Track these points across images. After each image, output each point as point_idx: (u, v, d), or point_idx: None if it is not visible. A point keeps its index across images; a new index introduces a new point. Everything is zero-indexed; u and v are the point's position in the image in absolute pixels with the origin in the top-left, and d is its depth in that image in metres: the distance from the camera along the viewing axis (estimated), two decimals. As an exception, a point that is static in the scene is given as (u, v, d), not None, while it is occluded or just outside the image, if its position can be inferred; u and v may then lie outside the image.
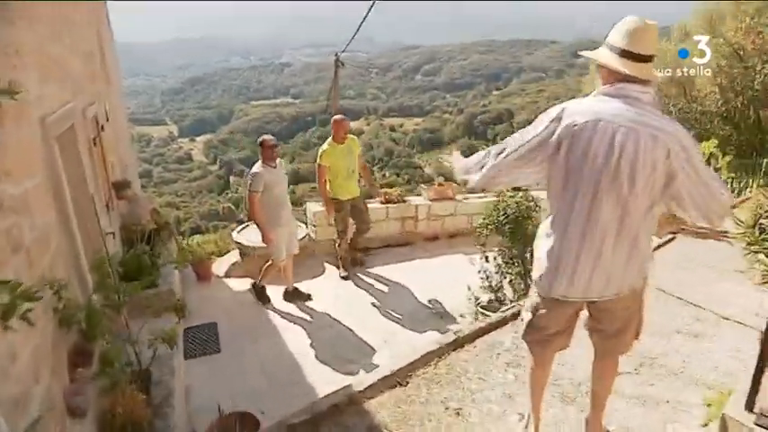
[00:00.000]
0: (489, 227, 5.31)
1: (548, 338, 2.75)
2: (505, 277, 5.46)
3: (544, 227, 2.54)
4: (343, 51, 15.06)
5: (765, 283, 4.95)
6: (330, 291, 6.94)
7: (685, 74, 19.65)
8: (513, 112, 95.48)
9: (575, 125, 2.27)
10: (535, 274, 2.59)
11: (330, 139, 6.85)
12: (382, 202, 8.29)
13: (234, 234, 7.88)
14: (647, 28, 2.27)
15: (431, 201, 8.61)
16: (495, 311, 4.92)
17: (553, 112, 2.37)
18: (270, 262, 6.36)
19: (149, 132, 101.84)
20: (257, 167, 5.93)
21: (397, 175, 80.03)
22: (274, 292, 6.63)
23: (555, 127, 2.33)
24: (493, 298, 5.49)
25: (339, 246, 7.24)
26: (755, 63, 20.26)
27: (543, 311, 2.64)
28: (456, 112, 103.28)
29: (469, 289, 5.65)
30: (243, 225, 8.18)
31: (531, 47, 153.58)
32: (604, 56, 2.35)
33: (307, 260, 7.68)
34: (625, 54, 2.28)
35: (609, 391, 2.92)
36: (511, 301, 5.20)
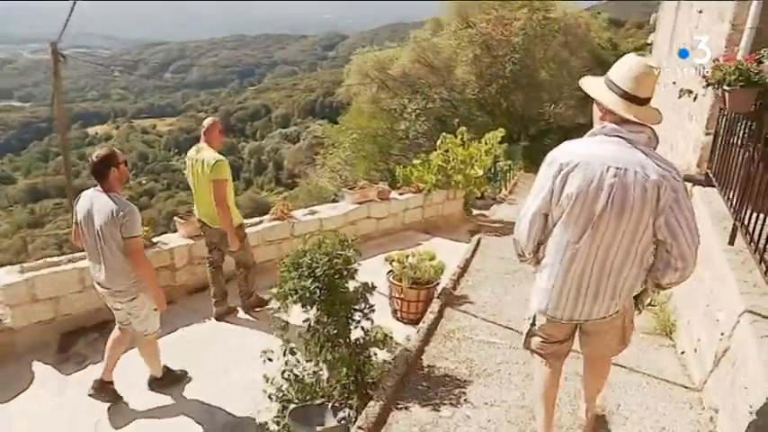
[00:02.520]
0: (291, 294, 3.47)
1: (549, 346, 2.90)
2: (320, 367, 3.71)
3: (543, 254, 2.67)
4: (60, 42, 12.62)
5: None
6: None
7: (442, 62, 21.73)
8: (270, 108, 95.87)
9: (568, 164, 2.44)
10: (534, 294, 2.79)
11: (205, 145, 5.31)
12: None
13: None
14: (651, 72, 2.39)
15: (355, 204, 8.02)
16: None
17: (548, 159, 2.56)
18: None
19: None
20: None
21: (155, 180, 75.66)
22: None
23: (551, 172, 2.50)
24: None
25: (247, 279, 5.66)
26: (505, 53, 22.85)
27: (541, 324, 2.83)
28: (211, 111, 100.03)
29: (268, 381, 3.70)
30: None
31: (283, 41, 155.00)
32: (607, 99, 2.46)
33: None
34: (628, 97, 2.41)
35: (601, 390, 3.23)
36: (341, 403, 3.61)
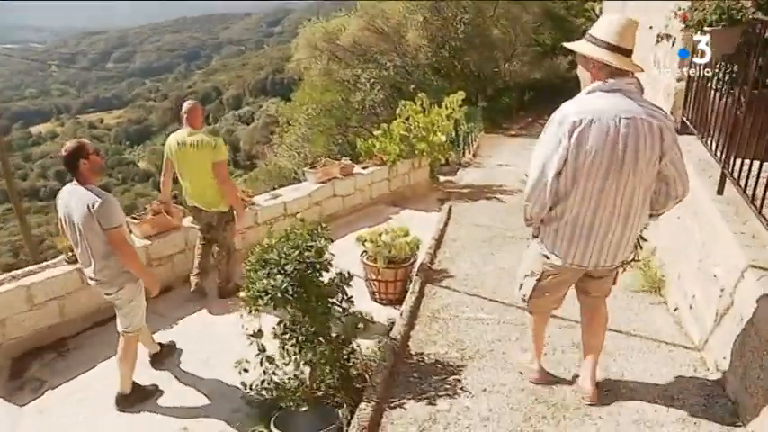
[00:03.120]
0: (261, 297, 3.13)
1: (549, 300, 3.09)
2: (301, 370, 3.38)
3: (558, 209, 2.73)
4: None
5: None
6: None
7: (392, 28, 21.16)
8: (221, 90, 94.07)
9: (581, 122, 2.53)
10: (549, 246, 2.85)
11: (192, 129, 5.13)
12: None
13: None
14: (631, 24, 2.57)
15: (319, 183, 7.63)
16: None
17: (556, 118, 2.63)
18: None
19: None
20: None
21: (110, 176, 73.67)
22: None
23: (563, 131, 2.57)
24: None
25: (228, 264, 5.49)
26: (455, 14, 22.34)
27: (551, 278, 2.95)
28: (160, 98, 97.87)
29: (246, 387, 3.42)
30: None
31: (227, 21, 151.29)
32: (596, 51, 2.57)
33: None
34: (615, 49, 2.54)
35: (602, 343, 3.24)
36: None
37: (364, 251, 5.40)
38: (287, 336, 3.28)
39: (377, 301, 5.31)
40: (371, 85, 19.30)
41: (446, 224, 7.14)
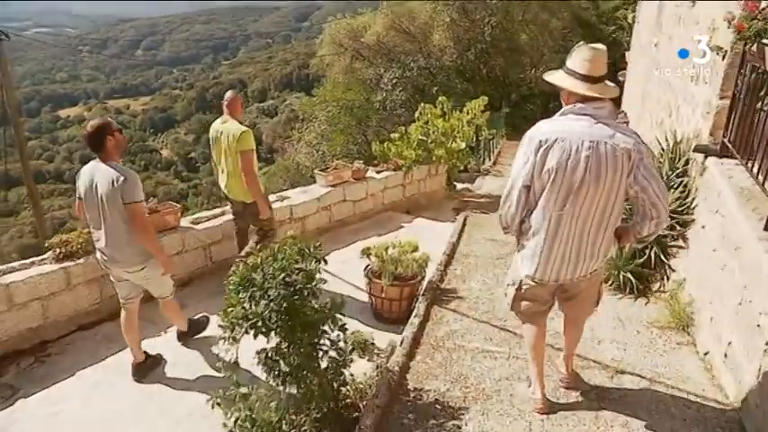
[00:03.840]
0: (240, 324, 2.72)
1: (534, 308, 3.16)
2: (283, 406, 2.98)
3: (526, 223, 2.92)
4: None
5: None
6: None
7: (418, 28, 20.77)
8: (246, 82, 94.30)
9: (546, 141, 2.71)
10: (520, 258, 3.03)
11: (229, 117, 5.19)
12: None
13: None
14: (598, 53, 2.72)
15: (329, 187, 7.32)
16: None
17: (527, 136, 2.82)
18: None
19: None
20: None
21: (132, 162, 74.18)
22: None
23: (531, 148, 2.76)
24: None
25: (263, 242, 5.33)
26: (482, 16, 21.97)
27: (527, 288, 3.08)
28: (186, 88, 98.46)
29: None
30: None
31: (256, 13, 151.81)
32: (568, 82, 2.76)
33: None
34: (585, 78, 2.72)
35: (578, 341, 3.45)
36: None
37: (368, 265, 5.04)
38: (268, 367, 2.92)
39: (379, 320, 4.96)
40: (394, 85, 18.91)
41: (459, 238, 6.73)
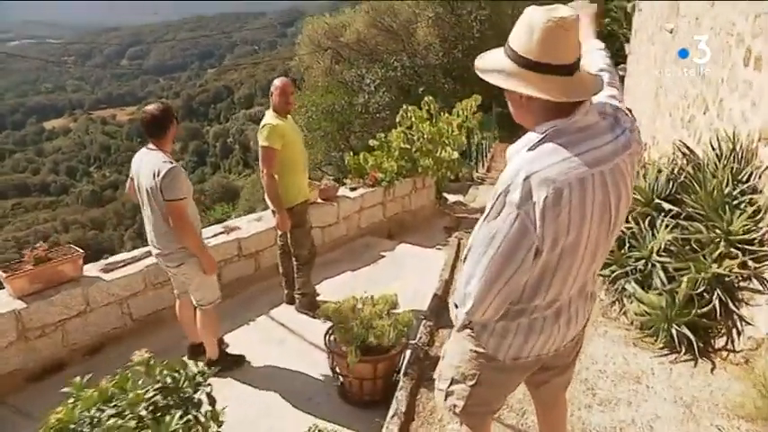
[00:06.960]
0: None
1: (493, 408, 2.22)
2: None
3: (519, 306, 1.82)
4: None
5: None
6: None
7: (400, 25, 19.73)
8: (233, 89, 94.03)
9: (546, 198, 1.55)
10: (492, 345, 1.93)
11: (271, 110, 4.57)
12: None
13: None
14: (566, 25, 1.53)
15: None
16: None
17: (514, 193, 1.58)
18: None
19: None
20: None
21: (119, 172, 73.26)
22: None
23: (528, 208, 1.58)
24: None
25: (299, 273, 4.90)
26: (470, 10, 20.76)
27: (492, 380, 2.03)
28: (173, 96, 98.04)
29: None
30: None
31: (241, 20, 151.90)
32: (541, 86, 1.57)
33: None
34: (544, 68, 1.56)
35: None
36: None
37: (330, 330, 3.69)
38: None
39: (348, 402, 3.63)
40: (377, 86, 17.62)
41: (452, 270, 5.42)
